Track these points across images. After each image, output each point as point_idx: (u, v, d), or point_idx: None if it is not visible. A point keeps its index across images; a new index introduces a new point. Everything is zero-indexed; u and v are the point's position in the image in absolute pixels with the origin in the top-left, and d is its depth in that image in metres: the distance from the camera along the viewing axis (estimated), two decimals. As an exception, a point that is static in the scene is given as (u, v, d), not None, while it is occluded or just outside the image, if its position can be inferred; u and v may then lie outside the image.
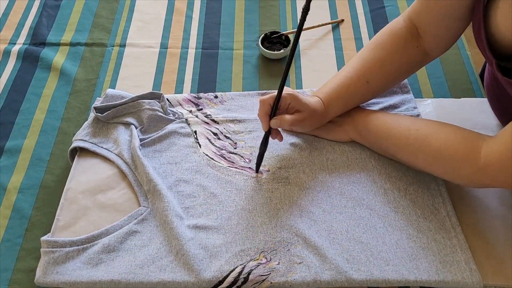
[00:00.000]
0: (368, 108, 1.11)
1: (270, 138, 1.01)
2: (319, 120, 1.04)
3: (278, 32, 1.31)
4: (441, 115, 1.11)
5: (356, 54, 1.08)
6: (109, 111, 1.09)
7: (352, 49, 1.32)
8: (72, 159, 1.07)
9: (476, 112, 1.11)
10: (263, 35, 1.30)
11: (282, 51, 1.26)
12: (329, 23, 1.38)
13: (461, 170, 0.87)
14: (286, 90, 0.97)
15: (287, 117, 0.97)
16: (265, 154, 1.02)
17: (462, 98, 1.16)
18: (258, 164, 1.02)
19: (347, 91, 1.03)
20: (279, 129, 1.02)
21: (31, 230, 1.00)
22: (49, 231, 0.95)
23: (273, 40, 1.31)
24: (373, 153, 1.05)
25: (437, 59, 1.26)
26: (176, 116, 1.12)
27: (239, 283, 0.88)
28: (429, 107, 1.12)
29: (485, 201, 0.97)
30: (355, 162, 1.04)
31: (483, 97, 1.18)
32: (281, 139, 1.02)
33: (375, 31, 1.35)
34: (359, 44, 1.33)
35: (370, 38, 1.35)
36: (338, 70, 1.25)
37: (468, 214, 0.96)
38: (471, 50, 1.31)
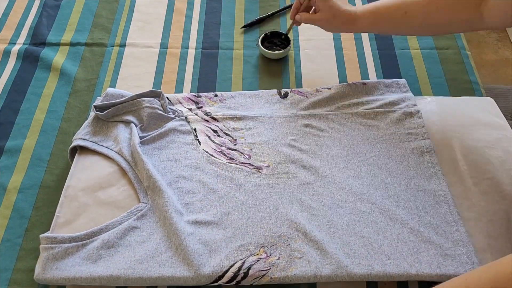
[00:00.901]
0: (367, 105, 1.12)
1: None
2: (344, 26, 1.12)
3: (278, 32, 1.31)
4: (442, 113, 1.11)
5: None
6: (109, 110, 1.09)
7: (352, 49, 1.32)
8: (72, 158, 1.07)
9: (477, 110, 1.11)
10: (263, 35, 1.30)
11: (282, 51, 1.27)
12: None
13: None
14: None
15: (305, 15, 1.15)
16: (261, 147, 1.08)
17: (463, 97, 1.16)
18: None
19: (383, 11, 1.07)
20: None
21: (31, 230, 1.00)
22: (49, 230, 0.95)
23: (273, 40, 1.31)
24: (374, 147, 1.05)
25: (437, 59, 1.27)
26: (176, 114, 1.12)
27: (239, 278, 0.87)
28: (430, 105, 1.12)
29: (487, 195, 0.97)
30: (355, 156, 1.04)
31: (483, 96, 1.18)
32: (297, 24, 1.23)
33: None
34: (358, 44, 1.33)
35: (370, 38, 1.35)
36: (338, 70, 1.26)
37: (469, 207, 0.96)
38: (471, 50, 1.31)
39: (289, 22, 1.39)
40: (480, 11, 0.96)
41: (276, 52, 1.26)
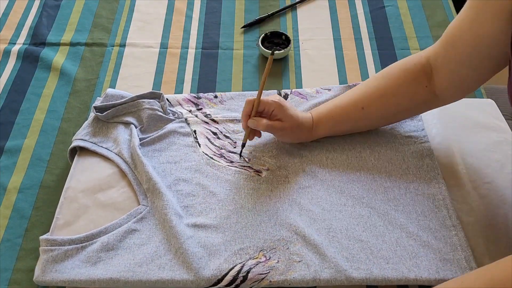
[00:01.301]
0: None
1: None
2: (304, 135, 1.04)
3: (278, 32, 1.31)
4: (441, 115, 1.11)
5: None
6: (109, 111, 1.09)
7: (352, 49, 1.32)
8: (72, 159, 1.07)
9: (479, 112, 1.11)
10: (263, 35, 1.30)
11: (282, 51, 1.26)
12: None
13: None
14: (275, 98, 0.98)
15: (264, 121, 0.98)
16: (260, 150, 1.07)
17: (465, 99, 1.15)
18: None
19: (341, 113, 1.04)
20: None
21: (31, 230, 1.00)
22: (49, 231, 0.95)
23: (273, 40, 1.31)
24: (373, 151, 1.05)
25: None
26: (176, 115, 1.12)
27: (238, 281, 0.87)
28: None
29: (486, 200, 0.97)
30: (355, 160, 1.04)
31: (482, 97, 1.18)
32: (258, 135, 1.07)
33: (375, 31, 1.36)
34: (358, 44, 1.33)
35: (370, 38, 1.35)
36: (338, 70, 1.26)
37: (468, 212, 0.96)
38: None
39: (289, 22, 1.39)
40: (432, 90, 0.98)
41: (276, 52, 1.26)
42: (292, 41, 1.30)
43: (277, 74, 1.27)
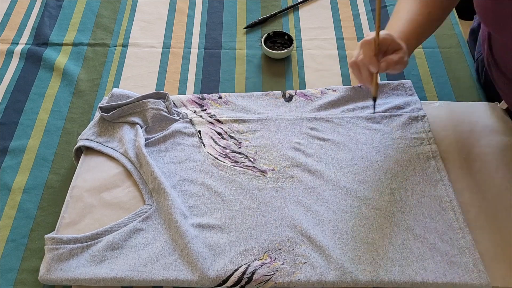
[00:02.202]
0: (371, 109, 1.12)
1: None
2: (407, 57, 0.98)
3: (281, 32, 1.31)
4: (449, 118, 1.11)
5: (397, 3, 1.07)
6: (114, 111, 1.09)
7: (354, 48, 1.31)
8: (77, 158, 1.07)
9: (485, 115, 1.11)
10: (265, 34, 1.30)
11: (285, 50, 1.26)
12: None
13: None
14: (382, 31, 0.92)
15: (393, 57, 0.92)
16: (265, 150, 1.06)
17: (470, 102, 1.15)
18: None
19: (417, 24, 1.00)
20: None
21: (36, 230, 1.00)
22: (54, 231, 0.95)
23: (276, 40, 1.31)
24: (379, 152, 1.05)
25: (440, 58, 1.26)
26: (181, 116, 1.12)
27: (243, 282, 0.87)
28: (437, 110, 1.12)
29: (494, 202, 0.97)
30: (361, 161, 1.03)
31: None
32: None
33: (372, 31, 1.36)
34: (361, 44, 1.33)
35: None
36: (341, 69, 1.25)
37: (476, 215, 0.95)
38: (473, 49, 1.31)
39: (291, 23, 1.39)
40: None
41: (279, 52, 1.26)
42: (294, 41, 1.30)
43: (281, 74, 1.26)
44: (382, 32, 0.91)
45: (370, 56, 0.91)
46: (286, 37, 1.31)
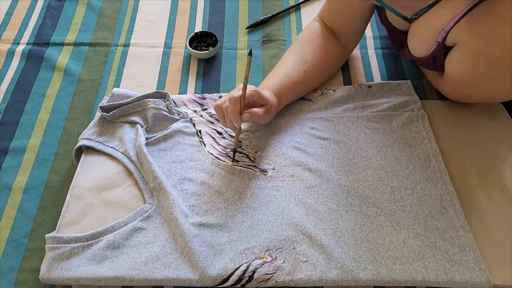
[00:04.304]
0: (372, 108, 1.12)
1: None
2: (275, 110, 1.07)
3: (209, 32, 1.34)
4: (450, 117, 1.11)
5: (286, 52, 1.18)
6: (115, 111, 1.09)
7: (355, 48, 1.31)
8: (77, 158, 1.07)
9: (488, 116, 1.11)
10: (192, 34, 1.32)
11: (207, 51, 1.29)
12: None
13: None
14: (249, 87, 0.99)
15: (257, 110, 0.99)
16: (266, 149, 1.07)
17: (474, 103, 1.15)
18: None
19: (292, 80, 1.10)
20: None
21: (36, 230, 1.00)
22: (55, 231, 0.95)
23: (205, 39, 1.34)
24: (380, 151, 1.05)
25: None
26: (181, 115, 1.12)
27: (244, 281, 0.87)
28: (438, 109, 1.12)
29: (495, 201, 0.96)
30: (361, 160, 1.03)
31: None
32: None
33: (374, 30, 1.37)
34: (362, 43, 1.33)
35: (374, 36, 1.36)
36: (342, 69, 1.26)
37: (476, 213, 0.95)
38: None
39: (293, 23, 1.39)
40: (341, 42, 1.20)
41: (200, 52, 1.29)
42: (219, 42, 1.32)
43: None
44: (249, 88, 0.98)
45: (235, 113, 0.97)
46: (214, 38, 1.32)
